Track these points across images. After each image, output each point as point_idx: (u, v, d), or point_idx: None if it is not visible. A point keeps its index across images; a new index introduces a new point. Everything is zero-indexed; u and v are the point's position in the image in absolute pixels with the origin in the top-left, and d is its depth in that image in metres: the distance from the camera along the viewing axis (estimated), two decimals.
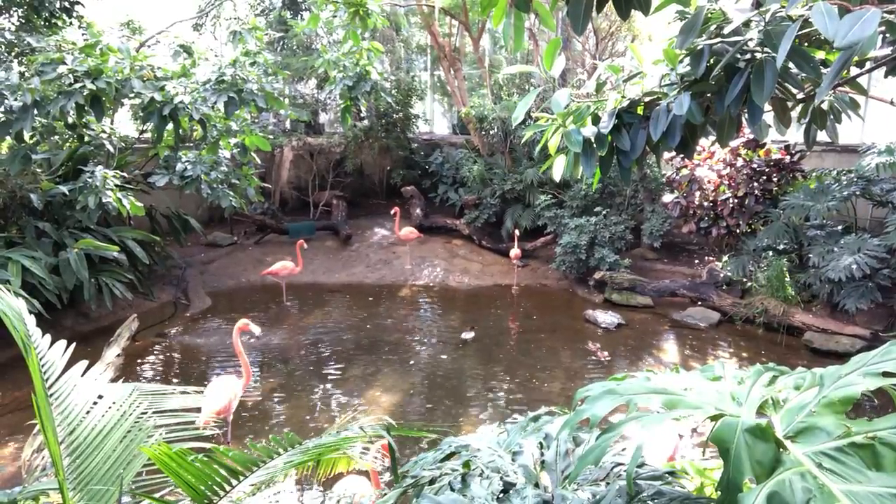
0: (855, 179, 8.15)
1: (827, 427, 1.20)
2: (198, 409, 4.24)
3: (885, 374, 1.24)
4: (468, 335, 8.30)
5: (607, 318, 8.72)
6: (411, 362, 7.68)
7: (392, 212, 11.66)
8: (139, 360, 7.52)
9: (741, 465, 1.17)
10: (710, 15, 2.69)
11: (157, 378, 7.13)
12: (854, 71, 2.84)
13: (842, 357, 7.31)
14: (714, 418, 1.32)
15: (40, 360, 2.56)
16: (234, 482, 2.10)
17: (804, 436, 1.22)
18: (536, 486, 1.76)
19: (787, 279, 8.27)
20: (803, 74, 2.66)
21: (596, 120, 3.14)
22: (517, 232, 10.85)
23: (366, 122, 13.45)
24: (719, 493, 1.19)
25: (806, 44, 2.66)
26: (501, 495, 1.69)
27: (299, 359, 7.76)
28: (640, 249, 10.88)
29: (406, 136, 13.92)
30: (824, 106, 3.02)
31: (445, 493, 1.73)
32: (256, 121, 11.53)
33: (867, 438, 1.14)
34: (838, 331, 7.71)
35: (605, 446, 1.34)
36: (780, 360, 7.00)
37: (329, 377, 7.20)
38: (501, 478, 1.76)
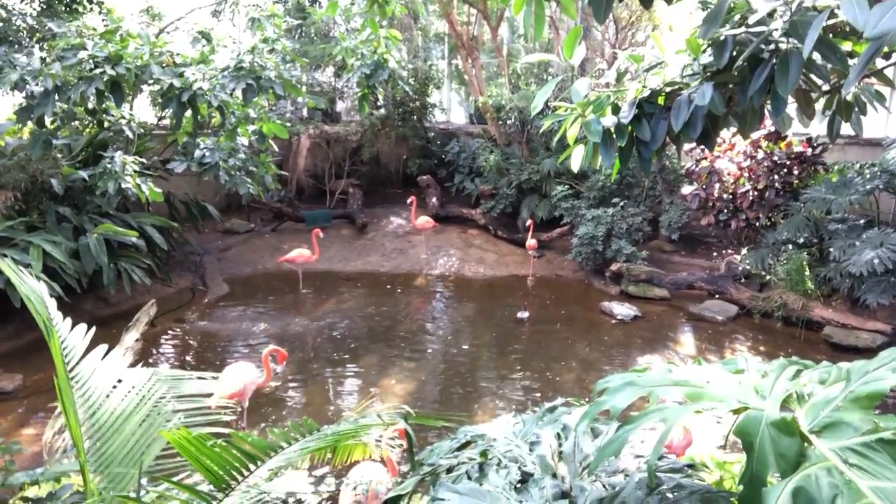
0: (878, 173, 8.01)
1: (854, 422, 1.18)
2: (212, 395, 4.29)
3: None
4: (524, 314, 8.67)
5: (623, 310, 8.67)
6: (426, 351, 7.69)
7: (408, 201, 11.66)
8: (157, 346, 7.60)
9: (765, 459, 1.15)
10: (733, 4, 2.64)
11: (175, 363, 7.21)
12: (880, 63, 2.78)
13: (862, 352, 7.22)
14: (737, 412, 1.31)
15: (61, 343, 2.59)
16: (252, 467, 2.12)
17: (830, 431, 1.20)
18: (554, 476, 1.76)
19: (807, 273, 8.17)
20: (829, 65, 2.61)
21: (616, 110, 3.10)
22: (531, 222, 10.81)
23: (382, 110, 13.43)
24: (742, 486, 1.18)
25: (831, 34, 2.61)
26: (519, 485, 1.69)
27: (315, 346, 7.81)
28: (657, 241, 10.80)
29: (423, 125, 13.88)
30: (849, 98, 2.96)
31: (463, 482, 1.73)
32: (274, 108, 11.56)
33: (895, 435, 1.12)
34: (859, 326, 7.61)
35: (626, 438, 1.33)
36: (798, 354, 6.94)
37: (344, 365, 7.24)
38: (519, 467, 1.76)
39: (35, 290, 2.45)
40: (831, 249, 7.92)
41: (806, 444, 1.20)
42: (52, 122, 8.10)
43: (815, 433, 1.21)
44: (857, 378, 1.29)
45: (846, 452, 1.13)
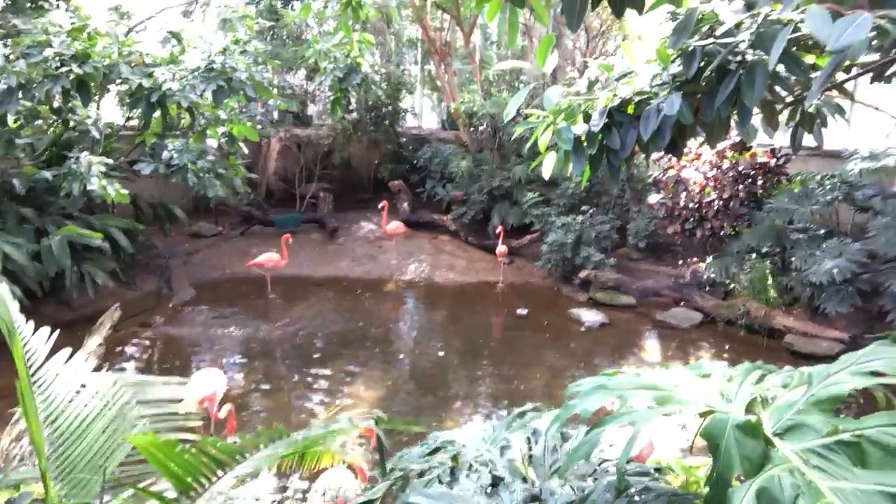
0: (838, 184, 8.25)
1: (815, 425, 1.21)
2: (181, 400, 4.21)
3: (873, 374, 1.26)
4: (523, 311, 9.06)
5: (591, 316, 8.76)
6: (395, 358, 7.67)
7: (380, 205, 11.63)
8: (121, 350, 7.44)
9: (730, 461, 1.18)
10: (702, 16, 2.71)
11: (140, 368, 7.07)
12: (840, 76, 2.88)
13: (821, 360, 7.38)
14: (703, 415, 1.34)
15: (24, 347, 2.53)
16: (220, 473, 2.09)
17: (792, 433, 1.23)
18: (524, 480, 1.77)
19: (770, 282, 8.35)
20: (793, 77, 2.69)
21: (587, 118, 3.15)
22: (501, 229, 10.85)
23: (355, 114, 13.38)
24: (708, 488, 1.20)
25: (795, 47, 2.69)
26: (490, 489, 1.70)
27: (282, 352, 7.73)
28: (625, 249, 10.94)
29: (395, 130, 13.87)
30: (811, 109, 3.05)
31: (434, 486, 1.73)
32: (244, 110, 11.44)
33: (854, 436, 1.16)
34: (818, 334, 7.80)
35: (596, 441, 1.35)
36: (760, 361, 7.07)
37: (312, 371, 7.17)
38: (490, 472, 1.77)
39: None
40: (793, 259, 8.11)
41: (769, 447, 1.23)
42: (16, 121, 7.91)
43: (778, 435, 1.24)
44: (818, 382, 1.33)
45: (807, 454, 1.17)
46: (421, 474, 1.86)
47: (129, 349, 7.56)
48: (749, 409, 1.37)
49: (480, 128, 12.19)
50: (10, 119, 7.55)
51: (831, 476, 1.12)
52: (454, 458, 1.91)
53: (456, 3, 11.77)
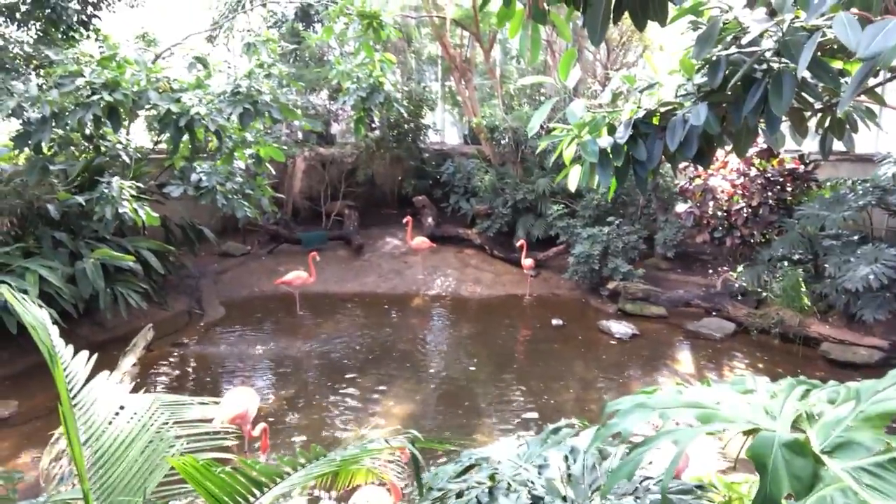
0: (870, 189, 8.08)
1: (865, 442, 1.18)
2: (213, 419, 4.25)
3: None
4: (558, 322, 9.11)
5: (621, 328, 8.67)
6: (424, 372, 7.66)
7: (404, 220, 11.67)
8: (155, 370, 7.54)
9: (779, 481, 1.16)
10: (725, 25, 2.69)
11: (173, 388, 7.15)
12: (870, 80, 2.83)
13: (860, 368, 7.24)
14: (748, 432, 1.31)
15: (64, 370, 2.57)
16: (257, 493, 2.10)
17: (842, 451, 1.20)
18: (564, 500, 1.75)
19: (803, 289, 8.19)
20: (821, 84, 2.65)
21: (611, 130, 3.14)
22: (522, 242, 10.80)
23: (377, 132, 13.50)
24: None
25: (819, 53, 2.66)
26: None
27: (313, 368, 7.77)
28: (653, 259, 10.83)
29: (417, 146, 13.95)
30: (840, 115, 3.01)
31: None
32: (269, 131, 11.61)
33: None
34: (856, 342, 7.62)
35: (639, 460, 1.33)
36: (797, 371, 6.95)
37: (342, 387, 7.19)
38: (529, 491, 1.76)
39: (38, 319, 2.44)
40: (826, 265, 7.96)
41: (819, 465, 1.20)
42: (49, 148, 8.11)
43: (826, 453, 1.21)
44: (866, 397, 1.30)
45: (859, 473, 1.14)
46: (459, 494, 1.85)
47: (162, 369, 7.65)
48: (795, 425, 1.34)
49: (503, 141, 12.20)
50: (45, 146, 7.74)
51: (886, 496, 1.09)
52: (492, 477, 1.89)
53: (475, 20, 11.84)
